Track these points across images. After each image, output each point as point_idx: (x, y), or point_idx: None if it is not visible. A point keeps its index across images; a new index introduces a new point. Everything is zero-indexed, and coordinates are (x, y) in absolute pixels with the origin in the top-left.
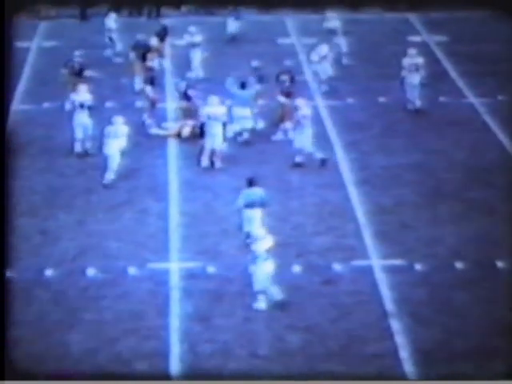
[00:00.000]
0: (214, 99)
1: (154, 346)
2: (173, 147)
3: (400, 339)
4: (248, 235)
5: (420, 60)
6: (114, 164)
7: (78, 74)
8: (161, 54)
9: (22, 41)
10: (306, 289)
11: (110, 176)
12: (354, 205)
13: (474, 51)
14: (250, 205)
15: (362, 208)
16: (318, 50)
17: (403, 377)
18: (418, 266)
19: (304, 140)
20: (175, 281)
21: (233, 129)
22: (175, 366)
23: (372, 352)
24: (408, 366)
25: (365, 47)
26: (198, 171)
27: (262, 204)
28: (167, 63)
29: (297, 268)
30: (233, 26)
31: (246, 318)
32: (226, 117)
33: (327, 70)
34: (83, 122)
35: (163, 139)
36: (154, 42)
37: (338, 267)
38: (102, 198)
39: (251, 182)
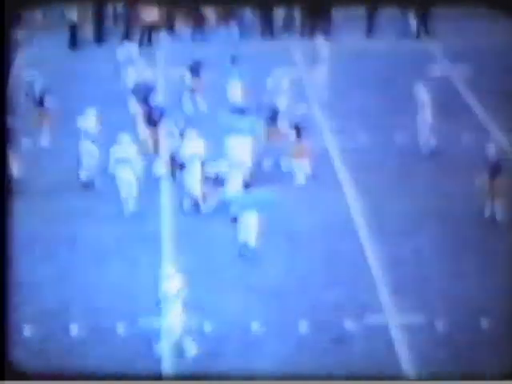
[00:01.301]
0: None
1: None
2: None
3: None
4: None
5: (426, 96)
6: (131, 191)
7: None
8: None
9: None
10: (313, 348)
11: (129, 207)
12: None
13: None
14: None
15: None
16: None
17: None
18: (438, 324)
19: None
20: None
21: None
22: None
23: None
24: None
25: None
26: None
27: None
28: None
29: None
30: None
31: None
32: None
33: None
34: (89, 149)
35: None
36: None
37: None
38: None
39: (247, 186)
